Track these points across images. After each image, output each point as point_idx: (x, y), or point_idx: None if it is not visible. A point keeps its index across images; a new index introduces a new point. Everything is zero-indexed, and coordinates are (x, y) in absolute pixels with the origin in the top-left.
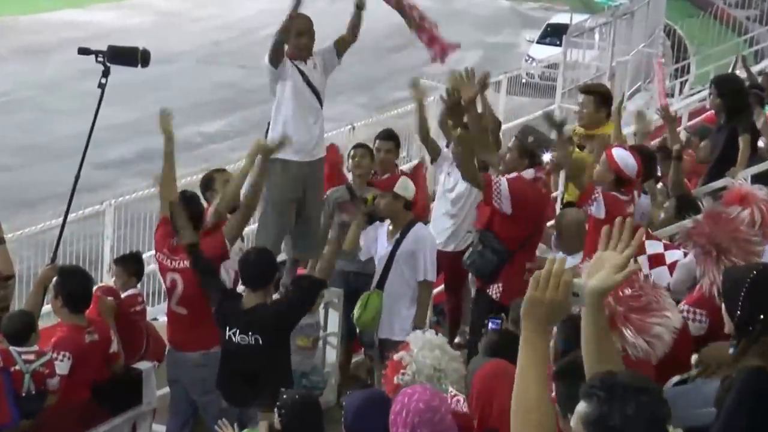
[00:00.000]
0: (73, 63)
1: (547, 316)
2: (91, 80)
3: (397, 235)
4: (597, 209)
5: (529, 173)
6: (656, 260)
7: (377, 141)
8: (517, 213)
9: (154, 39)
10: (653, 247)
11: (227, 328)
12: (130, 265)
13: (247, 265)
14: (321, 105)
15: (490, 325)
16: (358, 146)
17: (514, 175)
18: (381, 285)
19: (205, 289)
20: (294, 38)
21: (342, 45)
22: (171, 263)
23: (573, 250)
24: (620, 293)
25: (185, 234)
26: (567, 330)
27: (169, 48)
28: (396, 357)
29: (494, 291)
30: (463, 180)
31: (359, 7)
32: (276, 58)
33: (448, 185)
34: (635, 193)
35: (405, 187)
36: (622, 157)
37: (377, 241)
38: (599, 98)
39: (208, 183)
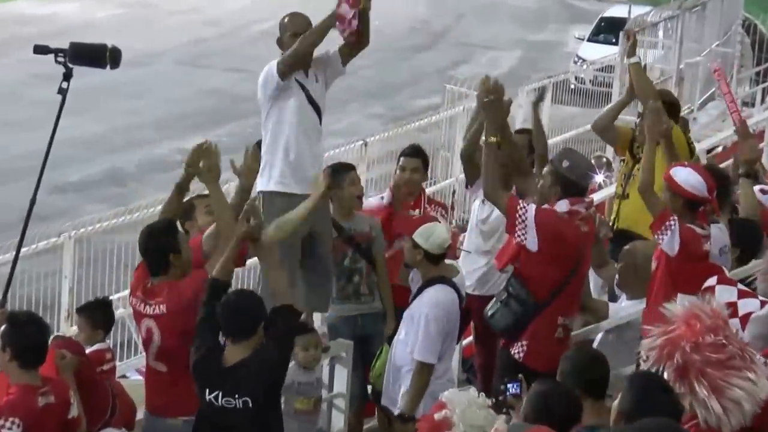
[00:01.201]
0: (27, 65)
1: None
2: (48, 85)
3: (415, 291)
4: (669, 242)
5: (561, 205)
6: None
7: (401, 158)
8: (545, 252)
9: (125, 36)
10: (726, 294)
11: (207, 390)
12: (96, 314)
13: (228, 311)
14: (321, 124)
15: (509, 389)
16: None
17: (547, 205)
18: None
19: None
20: (289, 41)
21: (348, 51)
22: (146, 308)
23: (640, 294)
24: (700, 339)
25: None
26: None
27: (143, 47)
28: (437, 417)
29: (517, 350)
30: (485, 197)
31: (364, 7)
32: (292, 70)
33: (482, 214)
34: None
35: (426, 237)
36: (684, 175)
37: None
38: (663, 106)
39: (187, 211)
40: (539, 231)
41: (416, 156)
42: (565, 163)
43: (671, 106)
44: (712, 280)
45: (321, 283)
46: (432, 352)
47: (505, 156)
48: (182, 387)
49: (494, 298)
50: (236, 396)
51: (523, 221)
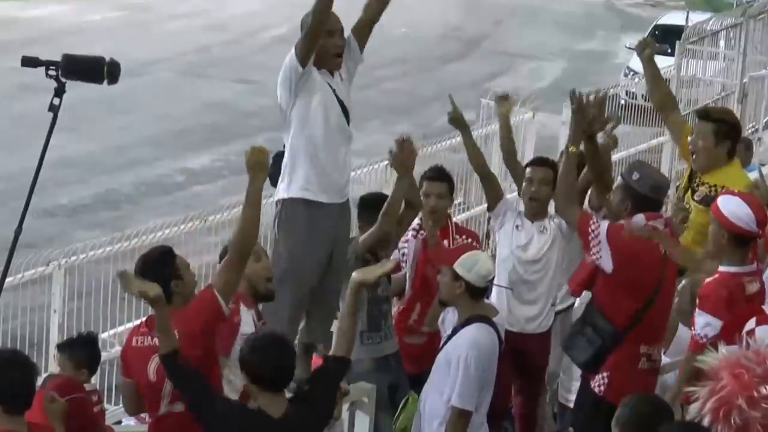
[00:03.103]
0: (9, 75)
1: None
2: (33, 98)
3: (449, 332)
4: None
5: (637, 220)
6: None
7: (424, 183)
8: (621, 274)
9: (120, 42)
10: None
11: None
12: (79, 352)
13: (266, 360)
14: (349, 126)
15: None
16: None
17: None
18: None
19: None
20: (323, 39)
21: (363, 31)
22: (153, 341)
23: None
24: (755, 393)
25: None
26: None
27: (140, 55)
28: None
29: (598, 383)
30: (555, 212)
31: None
32: (311, 51)
33: (520, 241)
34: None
35: (469, 267)
36: (732, 206)
37: (444, 325)
38: (722, 128)
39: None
40: (613, 249)
41: (440, 180)
42: (635, 176)
43: (732, 128)
44: (751, 323)
45: (329, 311)
46: (471, 398)
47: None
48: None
49: (570, 330)
50: None
51: (596, 237)
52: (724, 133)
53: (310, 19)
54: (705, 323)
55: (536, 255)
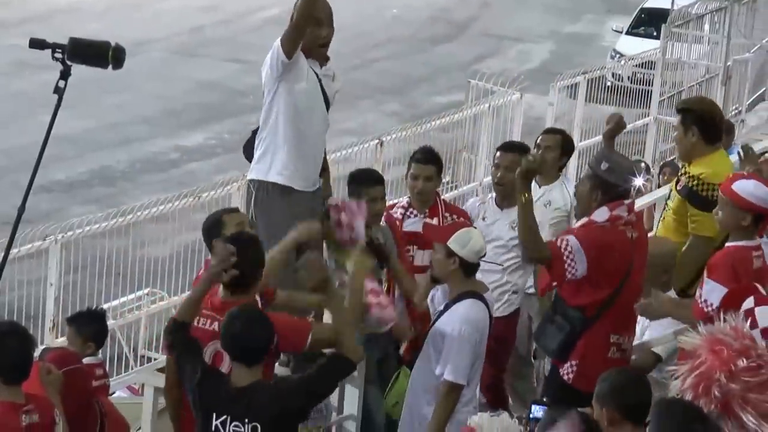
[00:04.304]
0: (6, 53)
1: None
2: (30, 76)
3: (441, 307)
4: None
5: (601, 214)
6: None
7: (412, 164)
8: (593, 271)
9: (114, 22)
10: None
11: (213, 415)
12: (88, 327)
13: (235, 332)
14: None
15: (532, 410)
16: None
17: (581, 222)
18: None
19: (179, 369)
20: (311, 29)
21: None
22: (216, 326)
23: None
24: (733, 366)
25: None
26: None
27: (134, 35)
28: None
29: (566, 371)
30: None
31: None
32: (298, 40)
33: (488, 234)
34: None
35: (463, 243)
36: (751, 188)
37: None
38: (687, 116)
39: (214, 228)
40: (587, 254)
41: (429, 162)
42: (604, 165)
43: (698, 117)
44: (749, 302)
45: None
46: (463, 372)
47: None
48: None
49: (541, 320)
50: (246, 421)
51: (571, 253)
52: (691, 121)
53: (295, 12)
54: (710, 289)
55: (499, 245)
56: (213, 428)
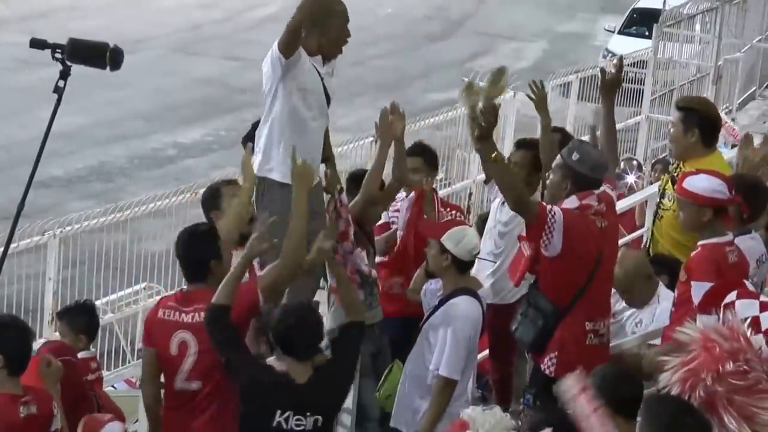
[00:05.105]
0: (6, 50)
1: None
2: (30, 72)
3: (436, 302)
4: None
5: (571, 202)
6: (751, 326)
7: None
8: (566, 254)
9: (113, 20)
10: (747, 308)
11: (277, 412)
12: (76, 319)
13: (294, 328)
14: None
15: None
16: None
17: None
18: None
19: (226, 362)
20: (336, 26)
21: None
22: (181, 316)
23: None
24: (720, 368)
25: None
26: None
27: (133, 31)
28: None
29: (547, 364)
30: (510, 207)
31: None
32: (294, 44)
33: (503, 216)
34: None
35: (456, 241)
36: (703, 182)
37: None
38: (689, 116)
39: (212, 199)
40: (566, 233)
41: (415, 155)
42: (575, 156)
43: (701, 118)
44: (732, 296)
45: (300, 290)
46: (458, 368)
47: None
48: (219, 405)
49: (516, 313)
50: (308, 414)
51: (552, 225)
52: (692, 121)
53: (297, 13)
54: (698, 292)
55: (512, 231)
56: (275, 424)
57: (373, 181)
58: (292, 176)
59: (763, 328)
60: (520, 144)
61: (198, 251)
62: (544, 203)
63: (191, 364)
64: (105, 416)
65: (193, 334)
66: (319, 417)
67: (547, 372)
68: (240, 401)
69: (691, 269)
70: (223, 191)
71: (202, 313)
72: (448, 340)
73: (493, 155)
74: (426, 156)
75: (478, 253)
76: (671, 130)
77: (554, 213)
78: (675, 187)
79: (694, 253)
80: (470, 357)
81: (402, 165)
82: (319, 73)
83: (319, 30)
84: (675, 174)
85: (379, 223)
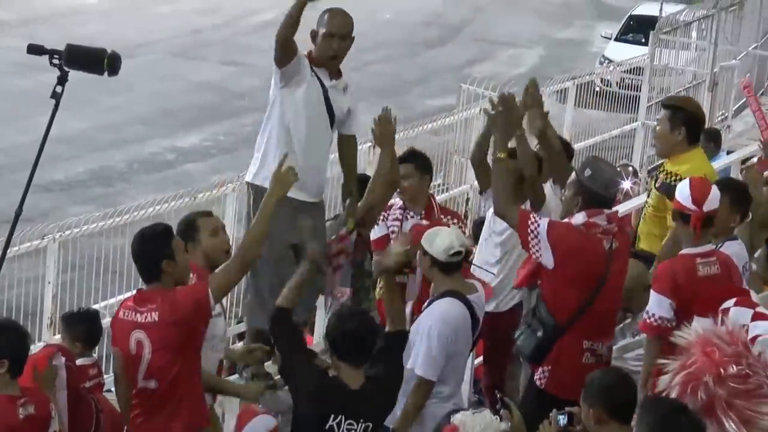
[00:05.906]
0: (7, 54)
1: None
2: (30, 77)
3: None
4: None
5: (578, 218)
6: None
7: None
8: (563, 269)
9: (113, 24)
10: (740, 316)
11: (330, 417)
12: (75, 326)
13: (350, 334)
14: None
15: (559, 421)
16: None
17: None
18: None
19: (284, 364)
20: (321, 38)
21: None
22: (136, 316)
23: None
24: (722, 371)
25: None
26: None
27: (132, 36)
28: None
29: (539, 376)
30: (494, 210)
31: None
32: (282, 56)
33: (496, 226)
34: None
35: (430, 242)
36: (681, 186)
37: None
38: (677, 115)
39: (188, 230)
40: (552, 246)
41: (406, 161)
42: (587, 172)
43: (688, 116)
44: (729, 303)
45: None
46: (434, 368)
47: (521, 166)
48: (174, 404)
49: (521, 321)
50: (360, 420)
51: (536, 236)
52: (679, 119)
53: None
54: (654, 302)
55: (506, 240)
56: (327, 428)
57: (378, 188)
58: (271, 177)
59: (748, 336)
60: (510, 154)
61: (150, 252)
62: (528, 212)
63: (147, 364)
64: (258, 408)
65: (146, 333)
66: (370, 423)
67: (537, 383)
68: (293, 404)
69: (654, 278)
70: (200, 223)
71: (155, 313)
72: (424, 341)
73: (501, 154)
74: (417, 162)
75: (459, 253)
76: (657, 128)
77: (537, 223)
78: (656, 183)
79: (662, 263)
80: (456, 359)
81: (395, 170)
82: (322, 84)
83: (312, 41)
84: (659, 172)
85: (379, 235)
